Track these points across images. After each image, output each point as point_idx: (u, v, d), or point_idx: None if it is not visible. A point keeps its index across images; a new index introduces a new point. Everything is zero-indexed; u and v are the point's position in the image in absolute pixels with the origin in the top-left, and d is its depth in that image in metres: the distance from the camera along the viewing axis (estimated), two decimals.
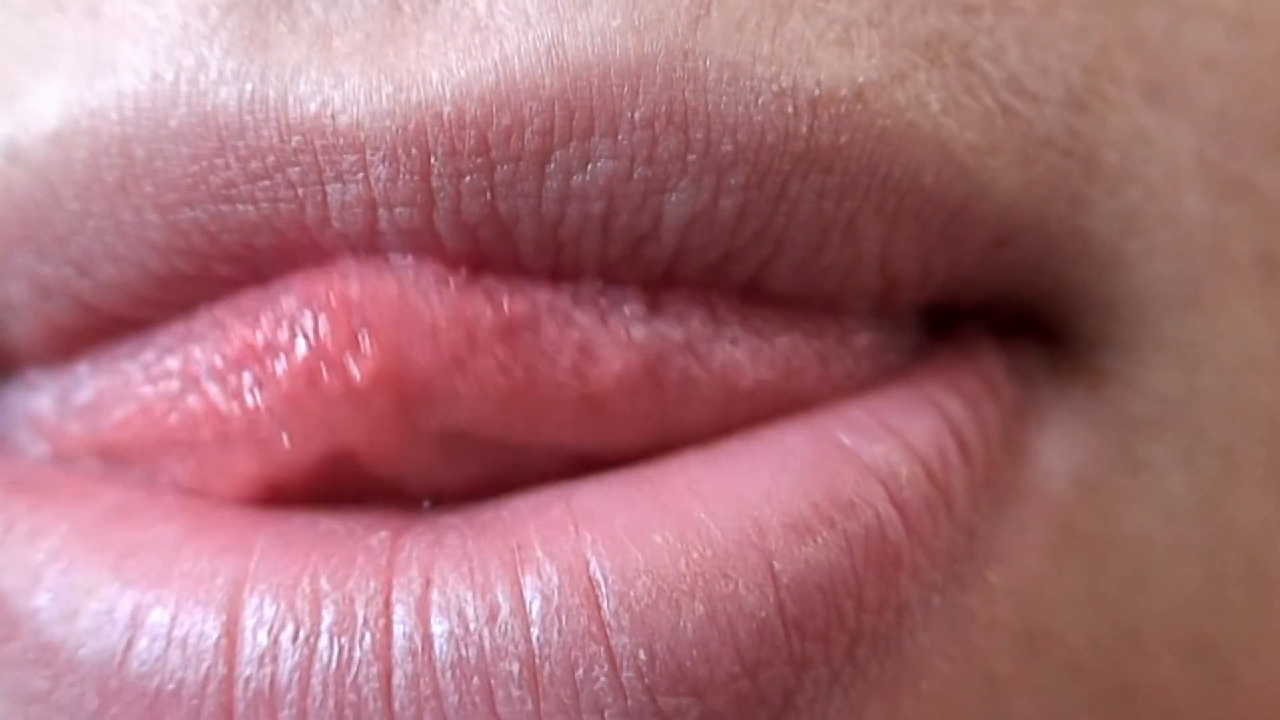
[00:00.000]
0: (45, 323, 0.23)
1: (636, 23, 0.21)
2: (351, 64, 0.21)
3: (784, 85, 0.21)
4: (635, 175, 0.21)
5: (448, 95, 0.21)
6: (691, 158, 0.21)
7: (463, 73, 0.21)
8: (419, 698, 0.20)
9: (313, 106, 0.21)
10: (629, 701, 0.20)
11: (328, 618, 0.21)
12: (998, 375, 0.23)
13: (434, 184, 0.21)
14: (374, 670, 0.20)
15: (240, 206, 0.21)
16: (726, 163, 0.21)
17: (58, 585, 0.22)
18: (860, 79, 0.21)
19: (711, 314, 0.22)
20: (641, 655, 0.20)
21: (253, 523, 0.22)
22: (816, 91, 0.21)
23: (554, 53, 0.20)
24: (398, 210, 0.21)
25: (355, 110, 0.21)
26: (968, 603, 0.22)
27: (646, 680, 0.20)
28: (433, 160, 0.21)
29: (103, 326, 0.23)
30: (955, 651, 0.22)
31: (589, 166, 0.21)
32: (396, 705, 0.20)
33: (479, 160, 0.21)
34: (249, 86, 0.21)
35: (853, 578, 0.21)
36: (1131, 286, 0.23)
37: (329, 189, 0.21)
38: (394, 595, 0.21)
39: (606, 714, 0.21)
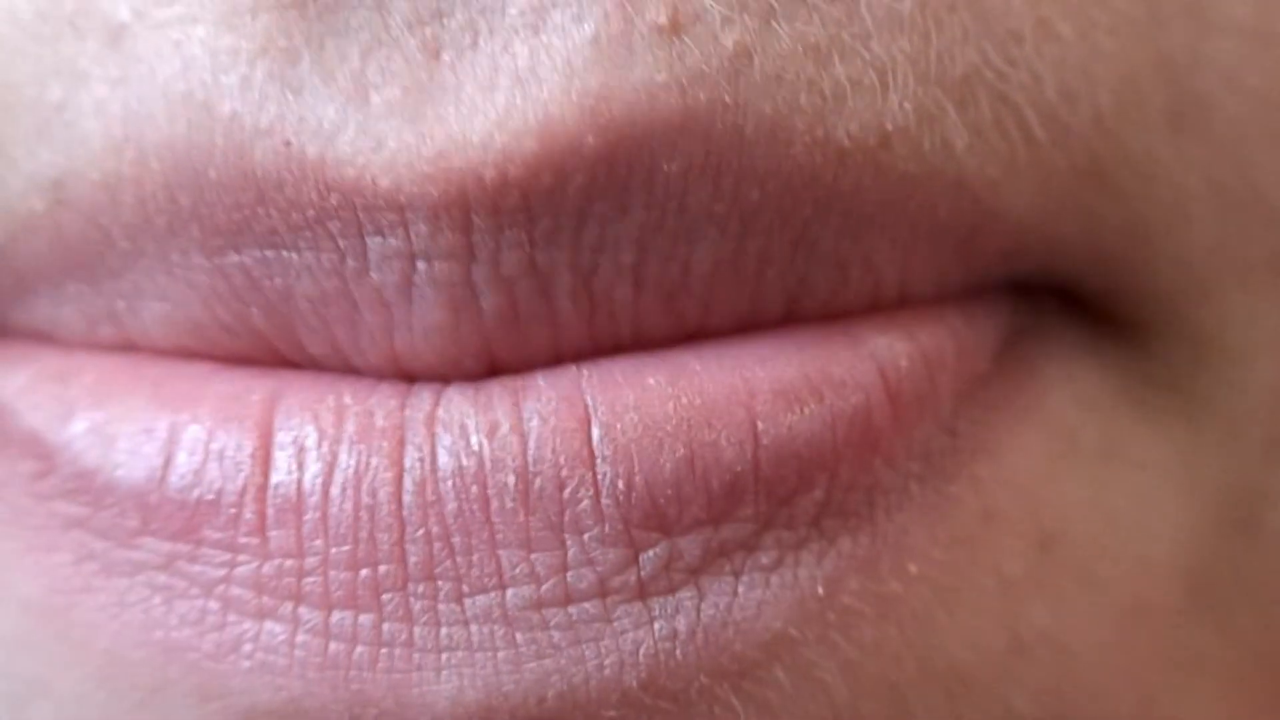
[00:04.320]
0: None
1: (681, 76, 0.21)
2: (389, 124, 0.21)
3: (817, 137, 0.21)
4: (666, 225, 0.21)
5: (489, 159, 0.20)
6: (719, 207, 0.21)
7: (504, 136, 0.20)
8: (424, 503, 0.22)
9: (351, 171, 0.21)
10: (606, 528, 0.22)
11: (350, 429, 0.22)
12: (1001, 295, 0.24)
13: (474, 239, 0.21)
14: (387, 476, 0.22)
15: (284, 253, 0.22)
16: (751, 209, 0.21)
17: (93, 415, 0.22)
18: (889, 126, 0.21)
19: None
20: (620, 485, 0.21)
21: (276, 365, 0.23)
22: (846, 143, 0.21)
23: (600, 110, 0.21)
24: (436, 263, 0.21)
25: (395, 174, 0.21)
26: (953, 491, 0.23)
27: (622, 510, 0.21)
28: (474, 218, 0.21)
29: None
30: (944, 537, 0.22)
31: (624, 218, 0.21)
32: (405, 511, 0.22)
33: (520, 216, 0.21)
34: (286, 143, 0.21)
35: (831, 453, 0.22)
36: (1138, 287, 0.23)
37: (369, 242, 0.21)
38: (407, 413, 0.22)
39: (586, 536, 0.22)
